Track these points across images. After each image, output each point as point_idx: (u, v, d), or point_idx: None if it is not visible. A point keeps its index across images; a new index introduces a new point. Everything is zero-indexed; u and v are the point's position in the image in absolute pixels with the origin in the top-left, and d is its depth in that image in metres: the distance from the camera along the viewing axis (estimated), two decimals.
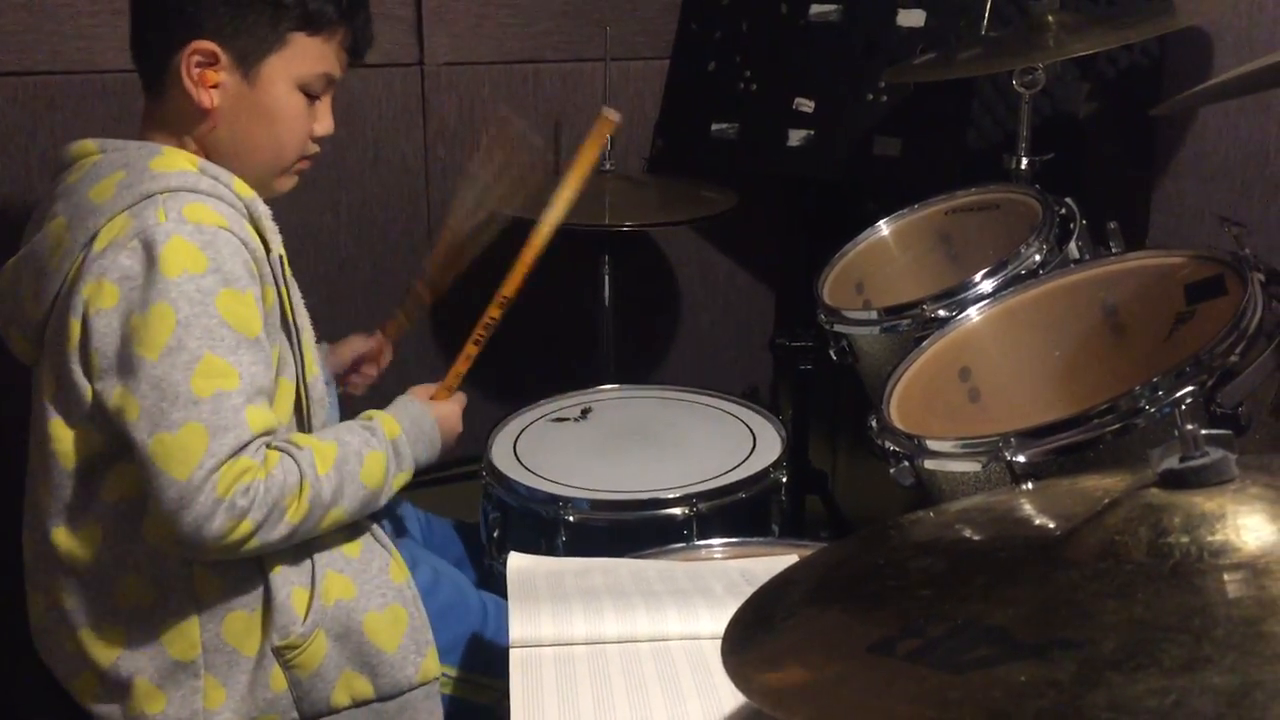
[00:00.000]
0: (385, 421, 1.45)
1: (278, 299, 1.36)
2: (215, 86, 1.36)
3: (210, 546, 1.25)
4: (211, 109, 1.36)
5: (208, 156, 1.38)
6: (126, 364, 1.25)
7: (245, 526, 1.25)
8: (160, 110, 1.40)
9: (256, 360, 1.29)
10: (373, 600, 1.42)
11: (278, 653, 1.37)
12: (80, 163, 1.37)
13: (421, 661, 1.43)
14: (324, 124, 1.45)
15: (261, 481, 1.26)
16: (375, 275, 2.41)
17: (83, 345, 1.27)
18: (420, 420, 1.49)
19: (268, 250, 1.35)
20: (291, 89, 1.39)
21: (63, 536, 1.36)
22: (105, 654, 1.37)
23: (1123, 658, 0.61)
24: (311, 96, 1.42)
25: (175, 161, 1.33)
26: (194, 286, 1.25)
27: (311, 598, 1.38)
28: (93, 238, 1.28)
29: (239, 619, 1.37)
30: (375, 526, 1.48)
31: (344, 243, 2.36)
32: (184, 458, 1.22)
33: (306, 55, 1.39)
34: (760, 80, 2.44)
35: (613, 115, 1.68)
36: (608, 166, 2.32)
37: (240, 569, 1.36)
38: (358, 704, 1.42)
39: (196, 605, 1.35)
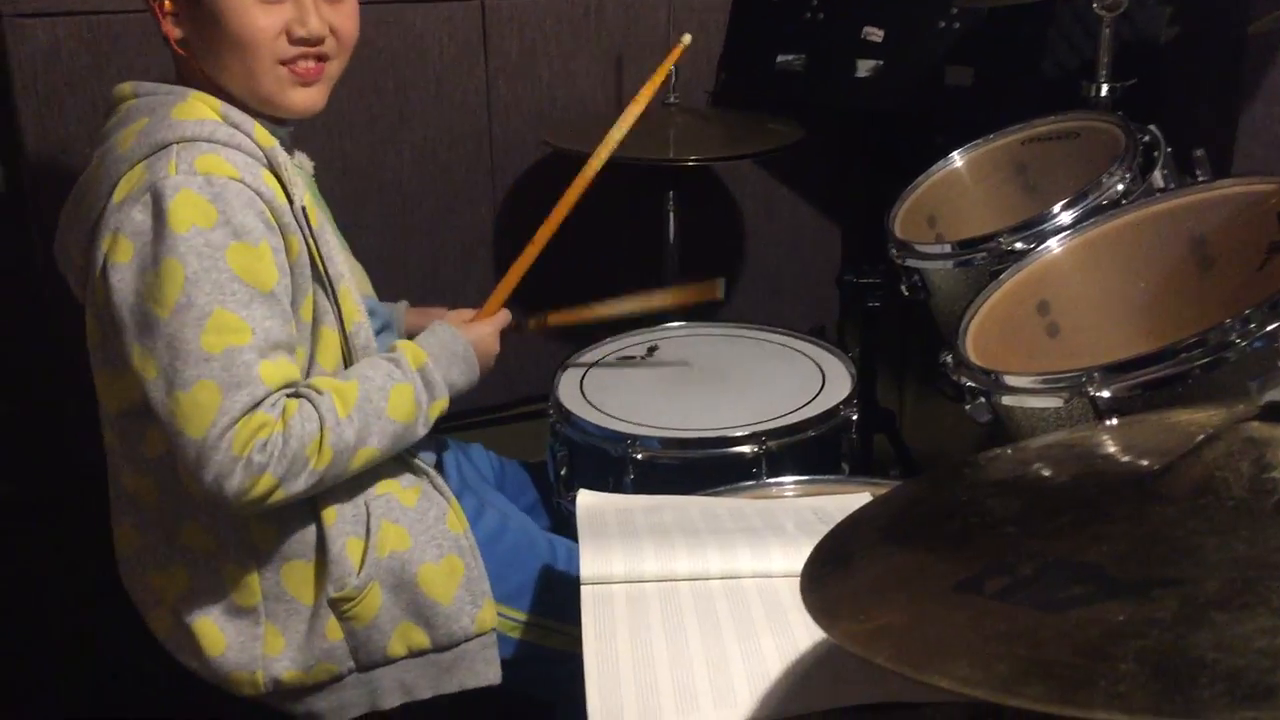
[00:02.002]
0: (410, 351, 1.42)
1: (304, 249, 1.32)
2: (172, 14, 1.32)
3: (233, 502, 1.24)
4: (180, 37, 1.33)
5: (217, 93, 1.35)
6: (143, 322, 1.24)
7: (266, 481, 1.24)
8: (173, 58, 1.38)
9: (271, 314, 1.26)
10: (428, 551, 1.41)
11: (333, 604, 1.37)
12: (119, 107, 1.36)
13: (477, 613, 1.43)
14: (301, 23, 1.33)
15: (280, 434, 1.25)
16: (439, 213, 2.40)
17: (106, 299, 1.27)
18: (451, 344, 1.46)
19: (290, 201, 1.32)
20: None
21: (128, 479, 1.38)
22: (173, 593, 1.39)
23: (1227, 596, 0.58)
24: None
25: (196, 109, 1.31)
26: (203, 241, 1.23)
27: (366, 549, 1.38)
28: (113, 187, 1.27)
29: (296, 568, 1.37)
30: (434, 474, 1.47)
31: (407, 180, 2.35)
32: (198, 416, 1.22)
33: None
34: (828, 9, 2.38)
35: (686, 39, 1.67)
36: (672, 100, 2.28)
37: (295, 519, 1.36)
38: (413, 654, 1.42)
39: (254, 554, 1.36)
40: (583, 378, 1.83)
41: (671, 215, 2.31)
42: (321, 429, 1.28)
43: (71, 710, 2.00)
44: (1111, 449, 0.90)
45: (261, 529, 1.36)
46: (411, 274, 2.37)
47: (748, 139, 2.30)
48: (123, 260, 1.25)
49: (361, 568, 1.37)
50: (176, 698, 1.48)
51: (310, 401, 1.29)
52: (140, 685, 1.66)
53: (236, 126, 1.31)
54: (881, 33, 2.30)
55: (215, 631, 1.38)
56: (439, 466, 1.59)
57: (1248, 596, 0.57)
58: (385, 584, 1.39)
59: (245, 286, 1.25)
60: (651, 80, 1.67)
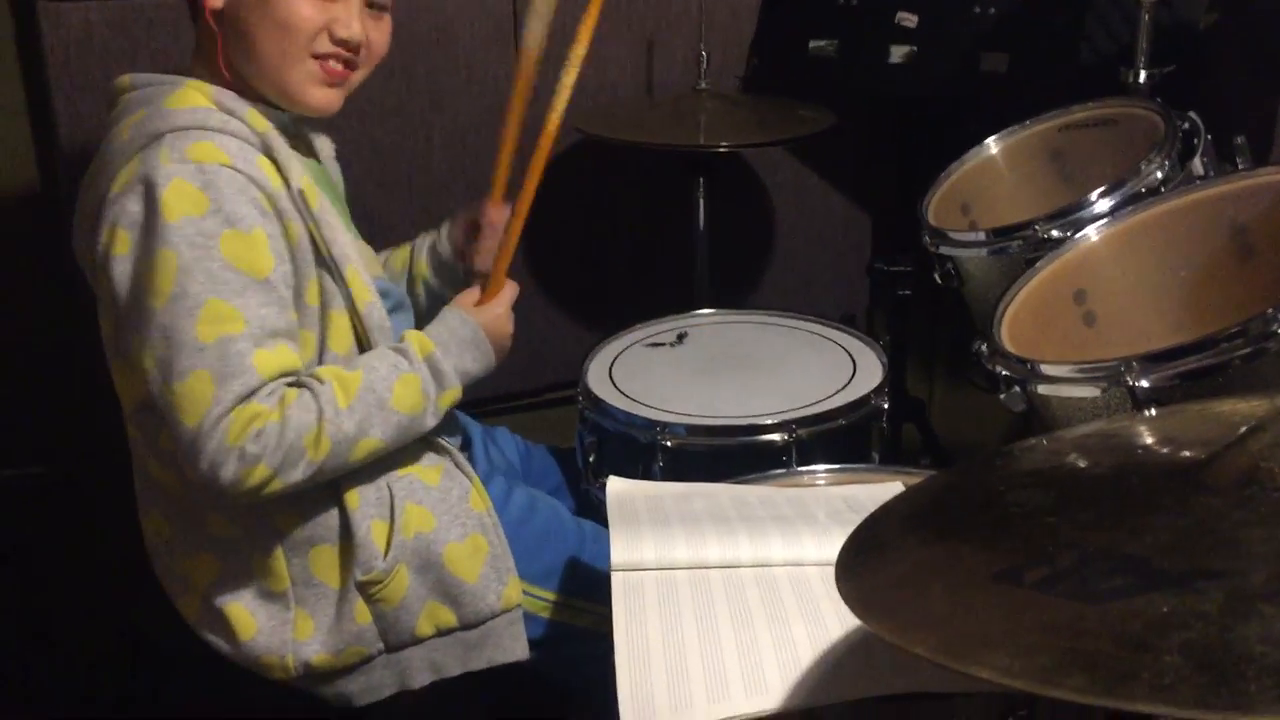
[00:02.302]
0: (416, 341, 1.39)
1: (304, 232, 1.31)
2: None
3: (228, 492, 1.24)
4: (217, 10, 1.32)
5: (235, 78, 1.35)
6: (139, 313, 1.24)
7: (261, 471, 1.23)
8: (197, 39, 1.39)
9: (266, 302, 1.25)
10: (452, 531, 1.41)
11: (361, 588, 1.37)
12: (120, 99, 1.36)
13: (503, 590, 1.43)
14: (348, 28, 1.35)
15: (276, 424, 1.23)
16: (469, 198, 2.37)
17: (110, 292, 1.27)
18: (460, 330, 1.43)
19: (288, 185, 1.31)
20: None
21: (155, 468, 1.39)
22: (203, 580, 1.40)
23: (1275, 589, 0.57)
24: None
25: (189, 97, 1.31)
26: (195, 230, 1.22)
27: (391, 532, 1.37)
28: (112, 180, 1.27)
29: (323, 553, 1.37)
30: (456, 453, 1.46)
31: (437, 165, 2.35)
32: (192, 406, 1.21)
33: None
34: None
35: None
36: (703, 85, 2.26)
37: (318, 504, 1.36)
38: (441, 633, 1.42)
39: (280, 540, 1.36)
40: (612, 364, 1.82)
41: (701, 202, 2.29)
42: (320, 419, 1.27)
43: (102, 692, 2.02)
44: (1151, 439, 0.88)
45: (285, 515, 1.36)
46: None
47: (778, 125, 2.28)
48: (120, 252, 1.25)
49: (388, 550, 1.37)
50: (208, 679, 1.49)
51: (310, 391, 1.28)
52: (171, 667, 1.68)
53: (230, 113, 1.31)
54: (915, 18, 2.28)
55: (246, 616, 1.38)
56: (467, 449, 1.59)
57: None
58: (412, 565, 1.39)
59: (239, 275, 1.24)
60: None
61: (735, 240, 2.55)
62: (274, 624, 1.38)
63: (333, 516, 1.37)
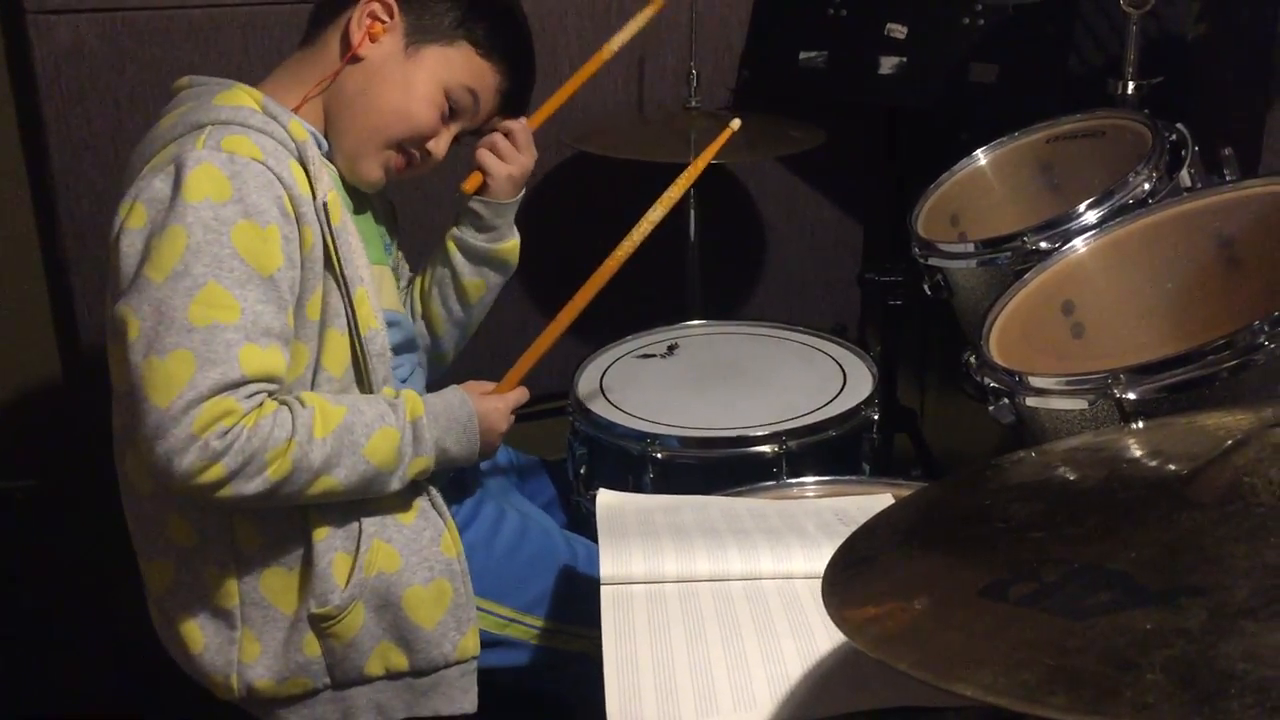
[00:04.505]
0: (410, 402, 1.37)
1: (320, 243, 1.31)
2: (374, 40, 1.39)
3: (179, 482, 1.20)
4: (359, 57, 1.39)
5: (324, 108, 1.41)
6: (136, 284, 1.23)
7: (217, 470, 1.20)
8: (301, 55, 1.44)
9: (265, 299, 1.24)
10: (417, 574, 1.38)
11: (314, 620, 1.35)
12: (174, 98, 1.39)
13: (460, 639, 1.40)
14: (439, 145, 1.46)
15: (245, 429, 1.21)
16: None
17: (115, 265, 1.27)
18: (457, 409, 1.41)
19: (314, 195, 1.32)
20: (437, 84, 1.42)
21: (129, 464, 1.38)
22: (157, 585, 1.39)
23: (1257, 605, 0.57)
24: (447, 111, 1.44)
25: (237, 97, 1.33)
26: (211, 214, 1.23)
27: (353, 568, 1.35)
28: (147, 163, 1.29)
29: (278, 576, 1.35)
30: (435, 494, 1.43)
31: (427, 179, 2.34)
32: (167, 385, 1.19)
33: (467, 66, 1.44)
34: (850, 5, 2.36)
35: (735, 124, 1.65)
36: (693, 104, 2.27)
37: (283, 526, 1.34)
38: (391, 676, 1.40)
39: (235, 556, 1.34)
40: (602, 376, 1.82)
41: (692, 212, 2.30)
42: (291, 440, 1.25)
43: (92, 704, 2.01)
44: (1138, 452, 0.89)
45: (247, 532, 1.34)
46: None
47: (768, 144, 2.29)
48: (135, 226, 1.25)
49: (347, 585, 1.35)
50: (195, 695, 1.49)
51: (290, 410, 1.26)
52: (157, 680, 1.67)
53: (274, 117, 1.32)
54: (905, 29, 2.29)
55: (195, 630, 1.36)
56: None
57: (1279, 605, 0.56)
58: (369, 604, 1.36)
59: (244, 265, 1.24)
60: (697, 161, 1.64)
61: (726, 251, 2.55)
62: (220, 641, 1.36)
63: (296, 543, 1.35)
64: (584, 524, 1.60)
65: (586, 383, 1.80)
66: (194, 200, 1.22)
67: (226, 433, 1.21)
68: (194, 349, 1.20)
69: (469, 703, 1.43)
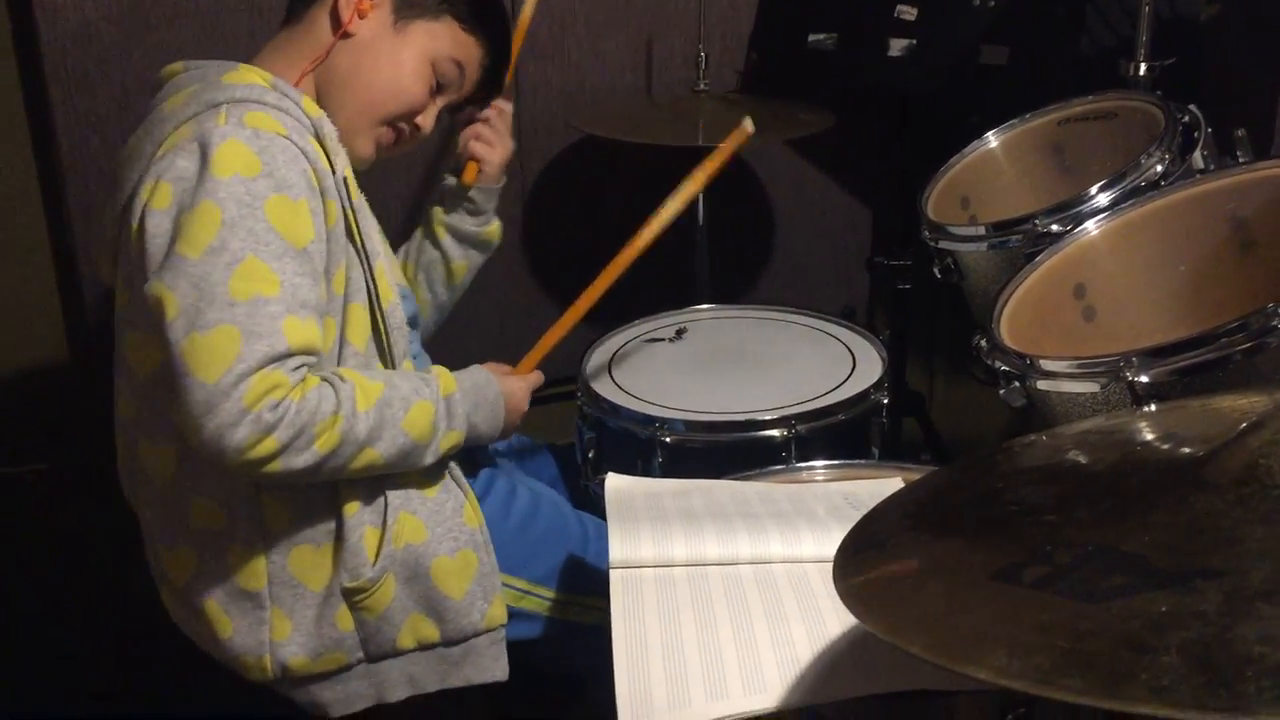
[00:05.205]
0: (443, 376, 1.41)
1: (342, 216, 1.33)
2: (363, 16, 1.39)
3: (231, 457, 1.19)
4: (349, 34, 1.39)
5: (316, 85, 1.41)
6: (170, 262, 1.22)
7: (270, 443, 1.20)
8: (287, 34, 1.43)
9: (301, 272, 1.25)
10: (443, 545, 1.40)
11: (346, 594, 1.36)
12: (168, 82, 1.38)
13: (488, 609, 1.42)
14: (427, 119, 1.46)
15: (293, 401, 1.21)
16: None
17: (140, 247, 1.25)
18: (485, 387, 1.45)
19: (333, 169, 1.33)
20: (425, 58, 1.43)
21: (145, 451, 1.37)
22: (179, 573, 1.39)
23: (1273, 588, 0.57)
24: (435, 85, 1.45)
25: (247, 76, 1.33)
26: (244, 189, 1.22)
27: (382, 541, 1.36)
28: (159, 146, 1.28)
29: (306, 553, 1.36)
30: (454, 466, 1.45)
31: (433, 160, 2.34)
32: (214, 360, 1.18)
33: (453, 39, 1.45)
34: None
35: (749, 126, 1.64)
36: (702, 87, 2.26)
37: (314, 503, 1.35)
38: (423, 647, 1.41)
39: (264, 535, 1.35)
40: (611, 360, 1.82)
41: (700, 198, 2.28)
42: (336, 412, 1.25)
43: (102, 688, 2.02)
44: (1151, 435, 0.88)
45: (277, 511, 1.34)
46: None
47: (777, 128, 2.27)
48: (161, 206, 1.24)
49: (377, 559, 1.36)
50: (200, 676, 1.49)
51: (332, 385, 1.27)
52: (168, 666, 1.67)
53: (285, 94, 1.33)
54: (915, 10, 2.27)
55: (221, 614, 1.36)
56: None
57: None
58: (399, 576, 1.38)
59: (280, 239, 1.23)
60: (711, 158, 1.64)
61: (734, 234, 2.54)
62: (249, 623, 1.36)
63: (326, 518, 1.36)
64: (590, 508, 1.60)
65: (595, 366, 1.80)
66: (223, 176, 1.22)
67: (277, 405, 1.20)
68: (238, 323, 1.20)
69: (500, 670, 1.45)
